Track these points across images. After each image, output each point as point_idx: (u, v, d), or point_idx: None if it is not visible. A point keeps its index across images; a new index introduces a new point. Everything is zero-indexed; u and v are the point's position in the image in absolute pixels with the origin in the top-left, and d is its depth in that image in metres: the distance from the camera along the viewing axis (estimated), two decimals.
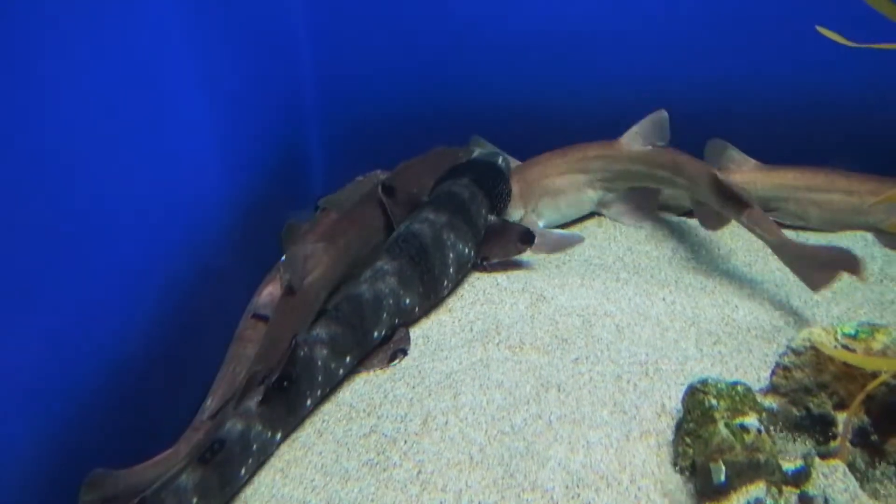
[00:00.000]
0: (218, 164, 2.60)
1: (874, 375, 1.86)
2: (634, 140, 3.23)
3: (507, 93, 3.42)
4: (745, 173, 3.27)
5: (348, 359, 2.40)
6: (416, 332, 2.64)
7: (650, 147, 3.21)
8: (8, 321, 1.73)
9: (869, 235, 3.12)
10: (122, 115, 2.09)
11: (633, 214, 3.32)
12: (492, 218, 2.99)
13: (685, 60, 3.28)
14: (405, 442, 2.13)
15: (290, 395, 2.20)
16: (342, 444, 2.18)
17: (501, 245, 2.92)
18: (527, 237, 2.90)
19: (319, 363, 2.30)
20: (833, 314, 2.59)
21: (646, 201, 3.32)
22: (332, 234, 2.83)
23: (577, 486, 1.92)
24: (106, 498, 1.99)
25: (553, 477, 1.95)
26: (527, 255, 3.07)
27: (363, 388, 2.41)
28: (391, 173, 3.26)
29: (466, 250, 2.82)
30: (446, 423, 2.18)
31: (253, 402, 2.15)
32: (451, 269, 2.75)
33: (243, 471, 2.07)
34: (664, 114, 3.17)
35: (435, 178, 3.15)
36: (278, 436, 2.19)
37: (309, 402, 2.28)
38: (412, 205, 2.95)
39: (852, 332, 1.93)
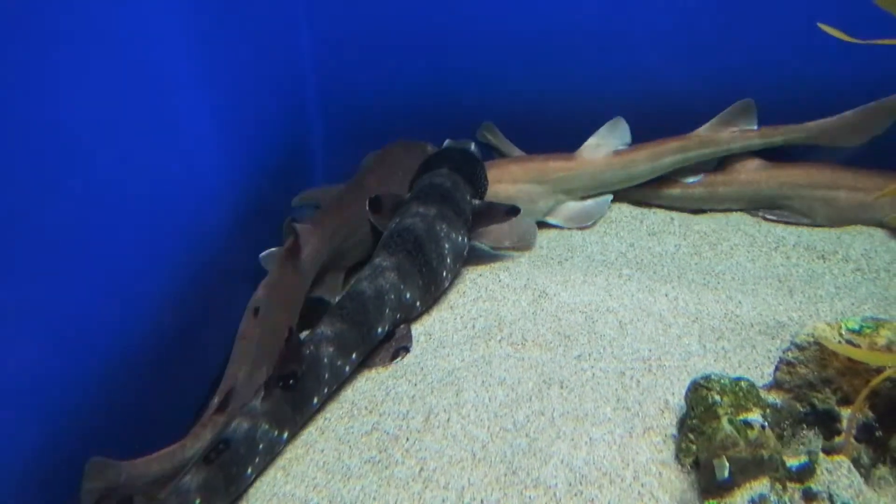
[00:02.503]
0: (219, 161, 2.59)
1: (879, 371, 1.85)
2: (596, 150, 3.28)
3: (510, 86, 3.41)
4: (749, 172, 3.28)
5: (354, 356, 2.40)
6: (418, 330, 2.63)
7: (612, 154, 3.29)
8: (8, 317, 1.72)
9: (876, 231, 3.10)
10: (122, 112, 2.08)
11: (576, 220, 3.32)
12: (475, 202, 3.01)
13: (692, 56, 3.26)
14: (407, 439, 2.12)
15: (296, 394, 2.19)
16: (344, 441, 2.17)
17: (489, 218, 2.97)
18: (512, 210, 2.93)
19: (325, 361, 2.29)
20: (837, 309, 2.58)
21: (594, 210, 3.34)
22: (320, 219, 2.87)
23: (580, 483, 1.91)
24: (108, 487, 1.98)
25: (556, 474, 1.94)
26: (527, 252, 3.07)
27: (365, 385, 2.40)
28: (362, 172, 3.23)
29: (460, 238, 2.83)
30: (448, 420, 2.17)
31: (258, 401, 2.15)
32: (449, 260, 2.75)
33: (250, 470, 2.06)
34: (621, 119, 3.30)
35: (408, 172, 3.17)
36: (285, 435, 2.18)
37: (316, 400, 2.27)
38: (397, 209, 2.95)
39: (856, 327, 1.92)
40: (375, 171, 3.18)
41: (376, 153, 3.34)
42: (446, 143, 3.30)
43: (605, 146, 3.32)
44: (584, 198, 3.37)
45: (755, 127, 3.25)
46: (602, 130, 3.33)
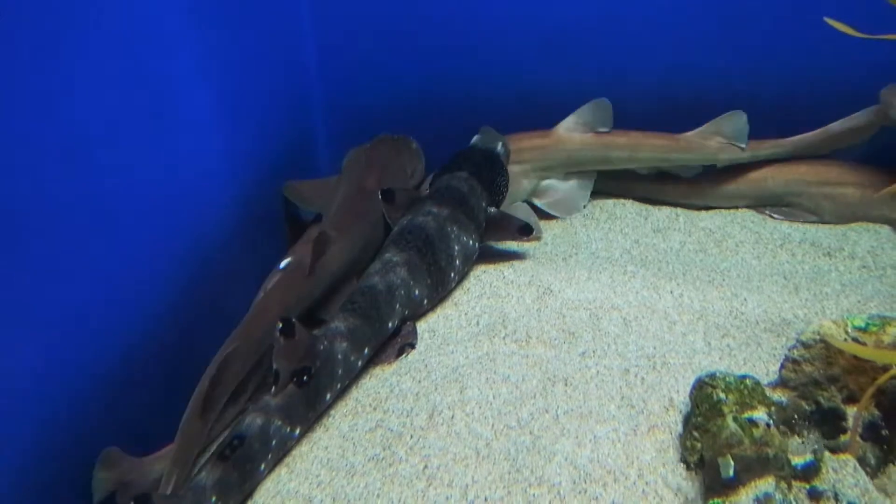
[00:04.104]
0: (222, 159, 2.59)
1: (885, 369, 1.84)
2: (573, 128, 3.28)
3: (513, 84, 3.40)
4: (757, 168, 3.26)
5: (366, 350, 2.40)
6: (422, 326, 2.63)
7: (591, 133, 3.28)
8: (9, 318, 1.72)
9: (882, 228, 3.08)
10: (125, 111, 2.08)
11: (565, 205, 3.34)
12: (492, 210, 2.99)
13: (693, 51, 3.25)
14: (411, 437, 2.12)
15: (310, 390, 2.19)
16: (348, 438, 2.17)
17: (500, 233, 2.97)
18: (525, 230, 2.93)
19: (339, 356, 2.29)
20: (843, 307, 2.56)
21: (579, 191, 3.36)
22: (341, 225, 2.79)
23: (584, 481, 1.90)
24: (119, 480, 1.99)
25: (560, 472, 1.94)
26: (532, 248, 3.06)
27: (369, 382, 2.40)
28: (357, 169, 3.14)
29: (471, 242, 2.82)
30: (452, 417, 2.17)
31: (271, 397, 2.14)
32: (458, 262, 2.75)
33: (263, 466, 2.06)
34: (606, 101, 3.28)
35: (400, 170, 3.15)
36: (297, 431, 2.18)
37: (329, 396, 2.27)
38: (410, 205, 2.94)
39: (863, 324, 1.91)
40: (372, 169, 3.12)
41: (362, 148, 3.29)
42: (475, 138, 3.25)
43: (583, 125, 3.31)
44: (567, 176, 3.37)
45: (744, 144, 3.22)
46: (582, 109, 3.32)
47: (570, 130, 3.31)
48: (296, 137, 3.33)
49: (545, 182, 3.35)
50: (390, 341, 2.53)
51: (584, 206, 3.36)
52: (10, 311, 1.72)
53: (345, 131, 3.56)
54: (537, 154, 3.30)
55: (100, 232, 1.99)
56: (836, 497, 1.70)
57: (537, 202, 3.34)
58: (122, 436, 2.09)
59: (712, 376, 1.92)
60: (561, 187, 3.35)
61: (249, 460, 2.02)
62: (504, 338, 2.49)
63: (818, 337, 1.93)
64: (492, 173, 3.06)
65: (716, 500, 1.73)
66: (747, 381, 1.89)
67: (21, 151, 1.72)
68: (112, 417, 2.06)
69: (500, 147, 3.19)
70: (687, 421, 1.98)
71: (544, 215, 3.34)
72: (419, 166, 3.33)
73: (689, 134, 3.26)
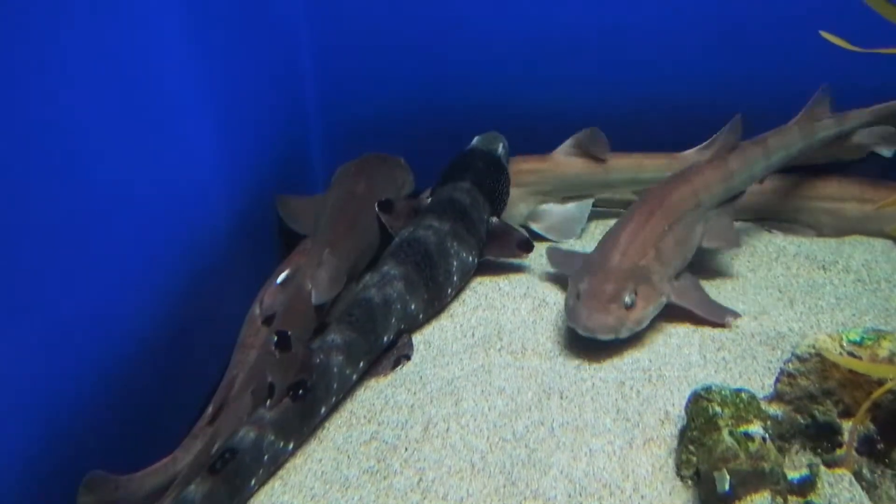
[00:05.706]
0: (217, 166, 2.59)
1: (880, 383, 1.84)
2: (572, 153, 3.25)
3: (508, 92, 3.40)
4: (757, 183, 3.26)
5: (362, 364, 2.39)
6: (417, 338, 2.62)
7: (589, 158, 3.24)
8: (5, 325, 1.71)
9: (876, 241, 3.08)
10: (120, 115, 2.07)
11: (562, 230, 3.27)
12: (494, 220, 2.98)
13: (687, 60, 3.26)
14: (406, 449, 2.11)
15: (305, 403, 2.17)
16: (342, 451, 2.16)
17: (500, 247, 2.94)
18: (526, 245, 2.91)
19: (335, 370, 2.27)
20: (838, 320, 2.57)
21: (577, 215, 3.30)
22: (335, 239, 2.78)
23: (580, 495, 1.90)
24: (104, 501, 1.98)
25: (555, 485, 1.93)
26: (528, 260, 3.06)
27: (364, 394, 2.39)
28: (347, 182, 3.11)
29: (470, 258, 2.81)
30: (447, 429, 2.16)
31: (266, 411, 2.13)
32: (455, 278, 2.75)
33: (253, 481, 2.04)
34: (599, 130, 3.22)
35: (383, 175, 3.15)
36: (291, 445, 2.15)
37: (323, 409, 2.25)
38: (412, 214, 2.93)
39: (858, 338, 1.91)
40: (361, 175, 3.12)
41: (352, 163, 3.28)
42: (476, 140, 3.21)
43: (580, 149, 3.25)
44: (564, 200, 3.32)
45: None
46: (578, 135, 3.27)
47: (569, 155, 3.27)
48: (291, 147, 3.33)
49: (542, 206, 3.30)
50: (386, 353, 2.52)
51: (582, 232, 3.28)
52: (6, 319, 1.71)
53: (340, 141, 3.56)
54: (535, 178, 3.26)
55: (94, 242, 1.98)
56: None
57: (534, 226, 3.28)
58: (117, 442, 2.08)
59: (708, 389, 1.92)
60: (557, 212, 3.31)
61: (240, 474, 1.99)
62: (499, 350, 2.49)
63: (813, 350, 1.93)
64: (493, 181, 3.03)
65: None
66: (743, 394, 1.89)
67: (15, 162, 1.72)
68: (108, 425, 2.05)
69: (500, 149, 3.15)
70: (682, 434, 1.98)
71: None
72: (408, 178, 3.33)
73: (687, 152, 3.21)
